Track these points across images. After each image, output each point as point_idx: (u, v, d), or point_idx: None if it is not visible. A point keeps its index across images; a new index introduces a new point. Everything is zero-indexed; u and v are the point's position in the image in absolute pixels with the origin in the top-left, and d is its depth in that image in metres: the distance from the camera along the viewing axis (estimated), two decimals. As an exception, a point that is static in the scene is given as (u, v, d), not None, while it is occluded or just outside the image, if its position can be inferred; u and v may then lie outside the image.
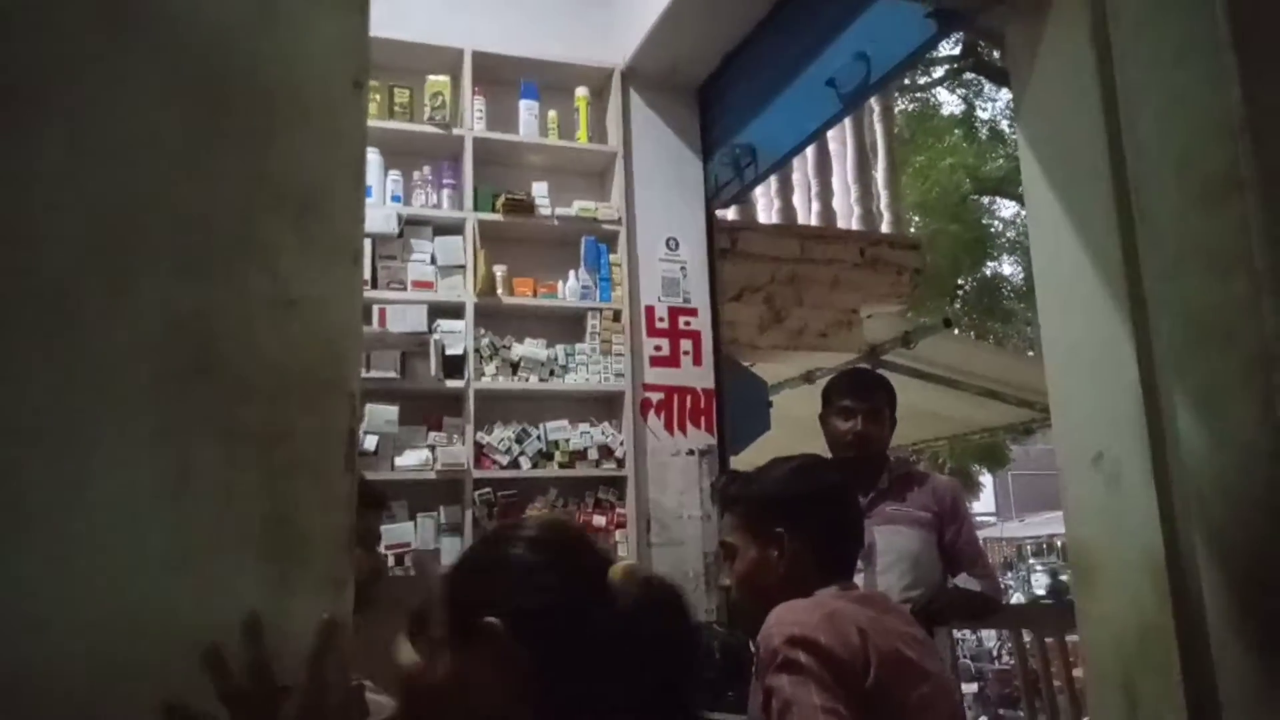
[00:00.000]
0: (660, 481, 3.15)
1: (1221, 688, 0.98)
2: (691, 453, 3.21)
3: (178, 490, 0.76)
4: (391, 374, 2.87)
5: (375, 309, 2.89)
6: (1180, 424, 1.09)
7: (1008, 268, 13.61)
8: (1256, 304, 1.01)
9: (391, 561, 2.76)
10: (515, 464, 2.99)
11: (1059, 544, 15.45)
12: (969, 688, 6.45)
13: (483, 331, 3.04)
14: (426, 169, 3.12)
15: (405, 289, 2.98)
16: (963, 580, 2.29)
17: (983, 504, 19.27)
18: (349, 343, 0.86)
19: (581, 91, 3.35)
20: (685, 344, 3.28)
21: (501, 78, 3.23)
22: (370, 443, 2.82)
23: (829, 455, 2.53)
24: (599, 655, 0.84)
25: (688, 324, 3.30)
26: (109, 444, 0.73)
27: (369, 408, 2.84)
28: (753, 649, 1.36)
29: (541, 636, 0.84)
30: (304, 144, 0.79)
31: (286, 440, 0.80)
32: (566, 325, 3.22)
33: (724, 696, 2.11)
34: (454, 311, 3.00)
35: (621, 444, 3.10)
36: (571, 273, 3.20)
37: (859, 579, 2.20)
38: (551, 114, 3.28)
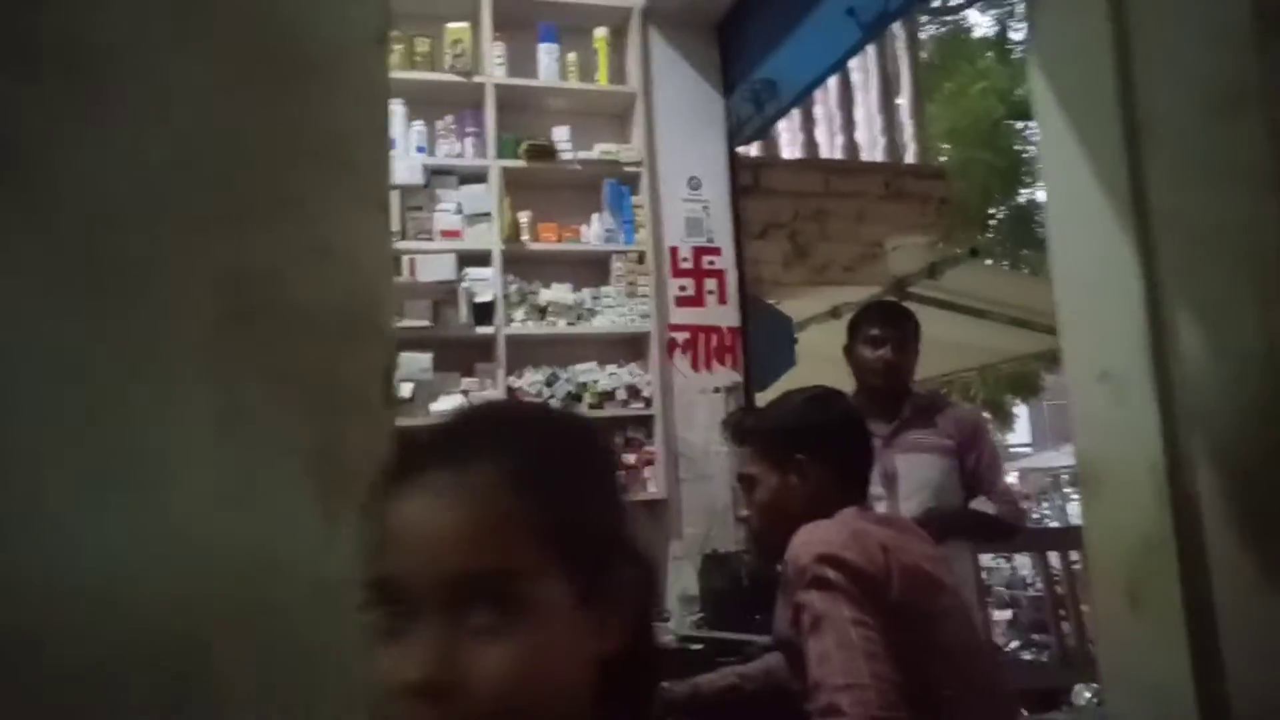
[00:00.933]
0: (687, 419, 3.22)
1: (1216, 585, 1.03)
2: (718, 390, 3.26)
3: (228, 429, 0.82)
4: (424, 322, 2.94)
5: (405, 259, 2.95)
6: (1183, 338, 1.12)
7: (1042, 194, 13.32)
8: (1261, 217, 1.03)
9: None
10: (547, 406, 3.07)
11: (1095, 473, 15.33)
12: (1003, 614, 6.53)
13: (510, 278, 3.10)
14: (449, 118, 3.15)
15: (433, 239, 3.03)
16: (979, 504, 2.33)
17: (1018, 434, 19.19)
18: (382, 286, 0.91)
19: (600, 32, 3.34)
20: (710, 283, 3.32)
21: (520, 21, 3.23)
22: (406, 390, 2.90)
23: (854, 390, 2.58)
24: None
25: (711, 263, 3.33)
26: (162, 387, 0.80)
27: (403, 356, 2.92)
28: (780, 570, 1.43)
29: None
30: (332, 98, 0.84)
31: (328, 380, 0.86)
32: (592, 269, 3.26)
33: (752, 620, 2.19)
34: (481, 259, 3.06)
35: (649, 384, 3.16)
36: (595, 216, 3.24)
37: (882, 506, 2.27)
38: (571, 56, 3.28)
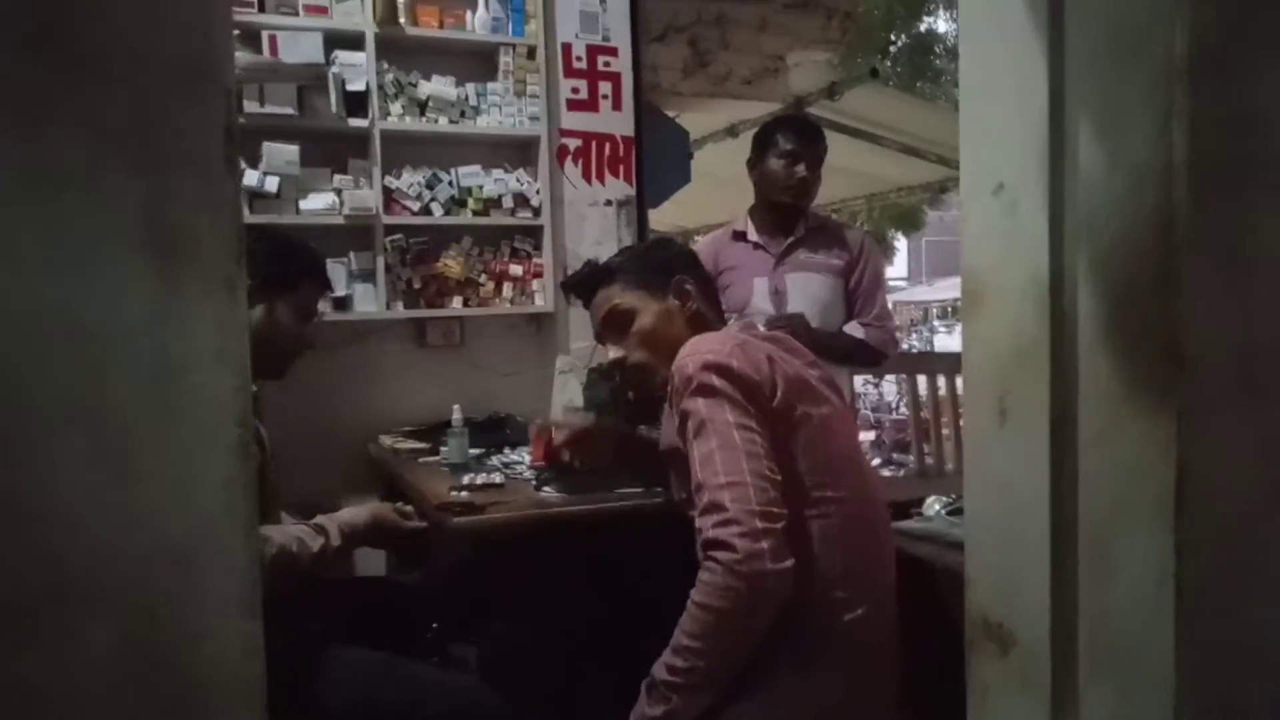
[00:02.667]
0: (577, 232, 3.13)
1: (1083, 398, 1.07)
2: (609, 203, 3.17)
3: (44, 190, 0.71)
4: (288, 109, 2.70)
5: (265, 35, 2.66)
6: (1082, 150, 1.11)
7: (942, 24, 13.21)
8: (1167, 23, 1.00)
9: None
10: (427, 210, 2.92)
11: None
12: (867, 435, 6.99)
13: (386, 66, 2.85)
14: None
15: (297, 13, 2.73)
16: (850, 328, 2.39)
17: (895, 269, 19.93)
18: (218, 32, 0.79)
19: None
20: (604, 87, 3.15)
21: None
22: (271, 184, 2.70)
23: (751, 206, 2.54)
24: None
25: (607, 65, 3.15)
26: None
27: (267, 146, 2.70)
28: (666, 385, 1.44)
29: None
30: None
31: (157, 134, 0.75)
32: (477, 62, 3.04)
33: (635, 430, 2.22)
34: (353, 42, 2.79)
35: (538, 192, 3.04)
36: (481, 1, 2.98)
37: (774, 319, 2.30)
38: None
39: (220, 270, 0.78)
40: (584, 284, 1.62)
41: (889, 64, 11.70)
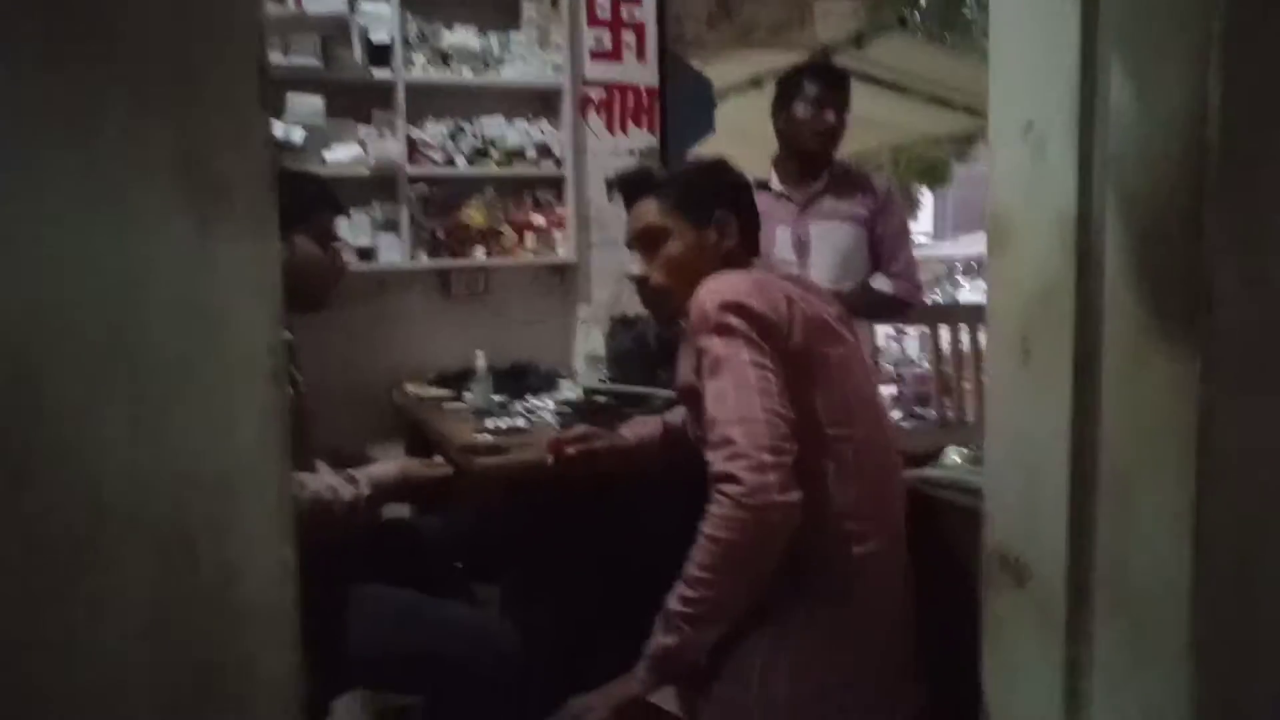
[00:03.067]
0: (600, 182, 3.12)
1: (1106, 336, 1.06)
2: (633, 153, 3.15)
3: (81, 134, 0.72)
4: (312, 60, 2.69)
5: (289, -15, 2.65)
6: (1113, 92, 1.09)
7: (974, -25, 12.86)
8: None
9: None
10: (450, 161, 2.92)
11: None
12: (889, 389, 6.97)
13: (409, 16, 2.83)
14: None
15: (320, -37, 2.72)
16: (878, 281, 2.38)
17: (920, 224, 19.68)
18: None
19: None
20: (628, 36, 3.11)
21: None
22: (297, 135, 2.70)
23: (775, 154, 2.52)
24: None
25: (631, 15, 3.11)
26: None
27: (291, 97, 2.70)
28: (682, 325, 1.44)
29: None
30: None
31: (190, 74, 0.76)
32: (499, 11, 3.01)
33: (657, 378, 2.24)
34: (376, -9, 2.77)
35: (560, 143, 3.03)
36: (504, -50, 2.95)
37: (798, 268, 2.29)
38: None
39: (254, 208, 0.79)
40: (630, 185, 1.57)
41: (917, 16, 11.43)
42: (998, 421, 1.23)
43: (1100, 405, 1.09)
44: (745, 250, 1.50)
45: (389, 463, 1.71)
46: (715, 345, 1.27)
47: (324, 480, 1.56)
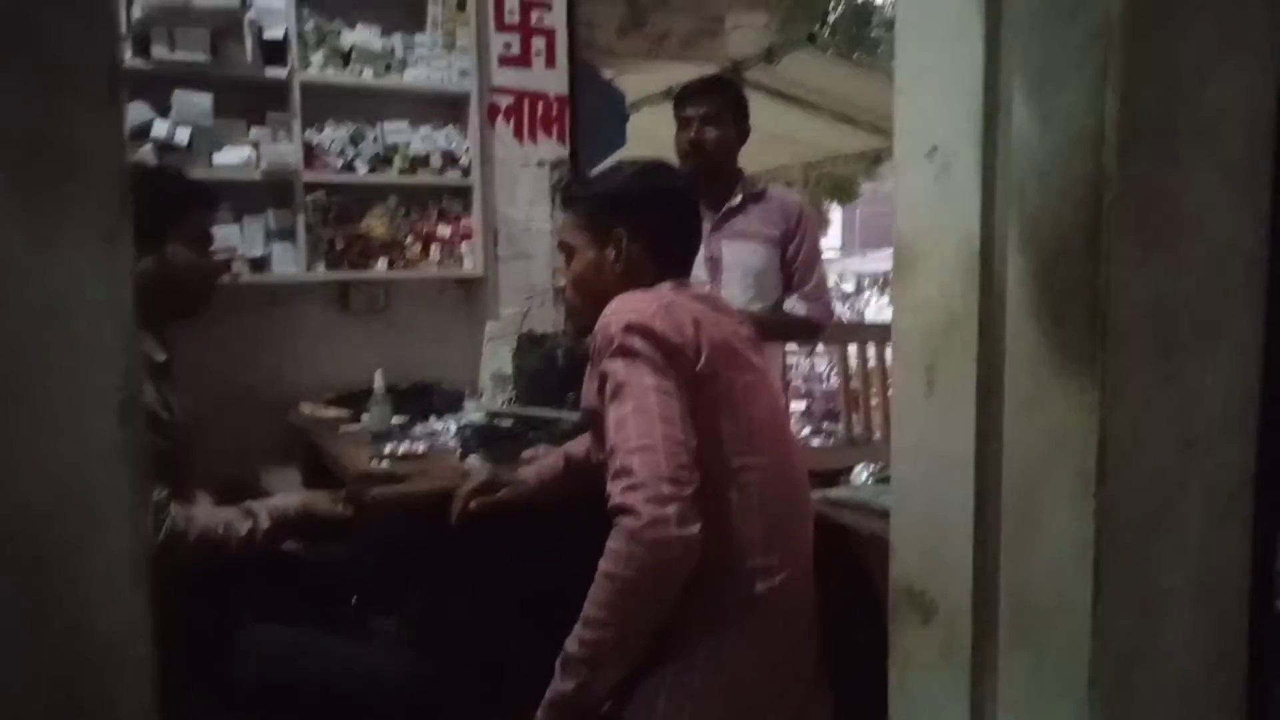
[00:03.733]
0: (508, 192, 3.07)
1: (1010, 366, 1.07)
2: (542, 164, 3.11)
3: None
4: (200, 56, 2.56)
5: (174, -24, 2.52)
6: (1015, 113, 1.10)
7: (882, -6, 13.27)
8: (1104, -15, 0.99)
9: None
10: (350, 167, 2.82)
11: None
12: (798, 405, 7.08)
13: (306, 12, 2.73)
14: None
15: (210, -46, 2.59)
16: (791, 303, 2.39)
17: (829, 239, 20.15)
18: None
19: None
20: (538, 42, 3.07)
21: None
22: (182, 135, 2.57)
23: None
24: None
25: (541, 20, 3.07)
26: None
27: (177, 94, 2.56)
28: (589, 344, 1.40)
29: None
30: None
31: (32, 63, 0.69)
32: (404, 11, 2.93)
33: (565, 398, 2.19)
34: (271, -14, 2.66)
35: (467, 151, 2.96)
36: (409, -51, 2.87)
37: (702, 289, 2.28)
38: None
39: (102, 214, 0.72)
40: (563, 195, 1.59)
41: (827, 32, 11.72)
42: (903, 449, 1.23)
43: (1004, 434, 1.10)
44: (665, 267, 1.45)
45: (290, 495, 1.66)
46: (618, 369, 1.24)
47: (216, 514, 1.52)
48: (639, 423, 1.19)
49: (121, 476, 0.71)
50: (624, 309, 1.29)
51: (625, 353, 1.24)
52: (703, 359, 1.27)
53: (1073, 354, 1.04)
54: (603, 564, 1.18)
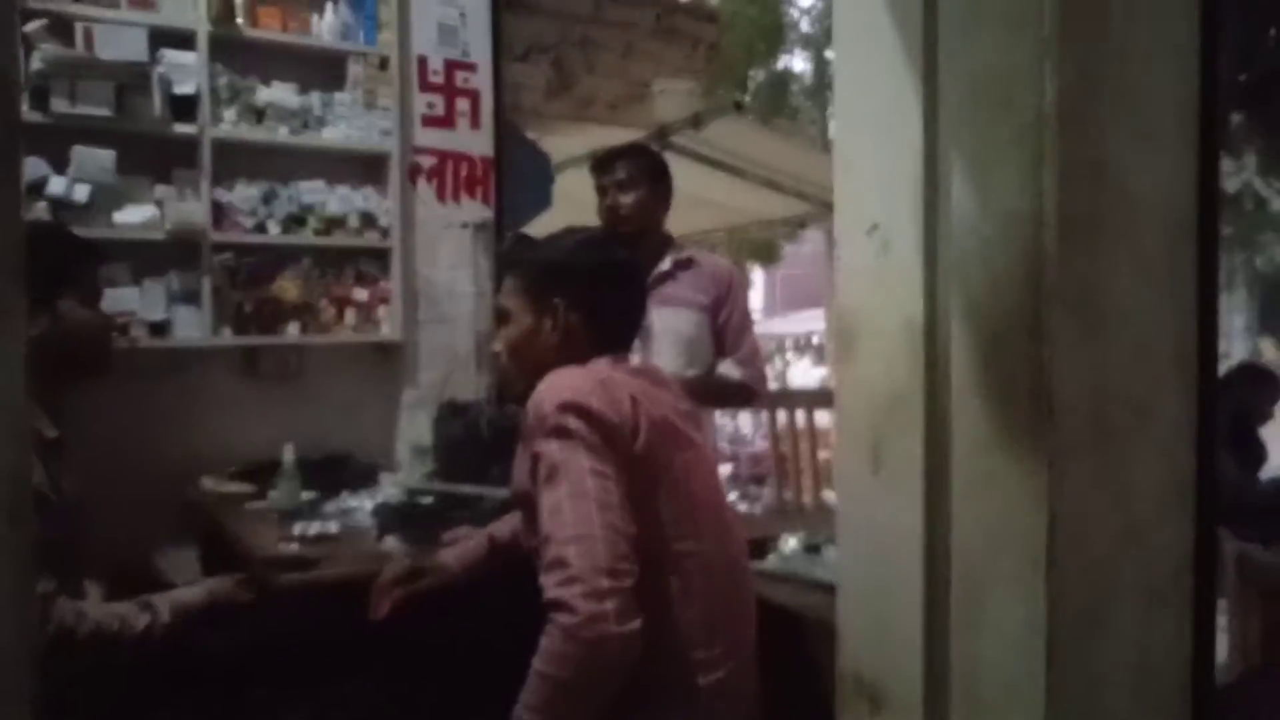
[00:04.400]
0: (429, 255, 3.03)
1: (956, 446, 1.07)
2: (465, 225, 3.08)
3: None
4: (104, 110, 2.48)
5: (79, 28, 2.44)
6: (955, 193, 1.13)
7: (799, 63, 13.81)
8: (1039, 71, 1.03)
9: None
10: (262, 228, 2.74)
11: (814, 340, 16.92)
12: (725, 468, 7.11)
13: (220, 68, 2.67)
14: None
15: (119, 5, 2.53)
16: (725, 367, 2.40)
17: (751, 300, 20.56)
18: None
19: None
20: (462, 104, 3.07)
21: None
22: (81, 192, 2.46)
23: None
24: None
25: (466, 81, 3.07)
26: None
27: (77, 150, 2.47)
28: (521, 416, 1.37)
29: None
30: None
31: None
32: (323, 70, 2.89)
33: (489, 473, 2.14)
34: (183, 40, 2.60)
35: (387, 212, 2.92)
36: (329, 6, 2.85)
37: (635, 359, 2.26)
38: None
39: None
40: (503, 259, 1.60)
41: (748, 98, 12.10)
42: (849, 531, 1.22)
43: (951, 514, 1.10)
44: (604, 341, 1.42)
45: (193, 586, 1.59)
46: (552, 450, 1.20)
47: (111, 609, 1.45)
48: (575, 509, 1.15)
49: (7, 577, 0.65)
50: (559, 386, 1.25)
51: (560, 433, 1.20)
52: (641, 438, 1.25)
53: (1019, 434, 1.05)
54: (537, 662, 1.12)
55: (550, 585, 1.12)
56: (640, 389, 1.31)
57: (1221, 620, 2.42)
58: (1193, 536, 1.10)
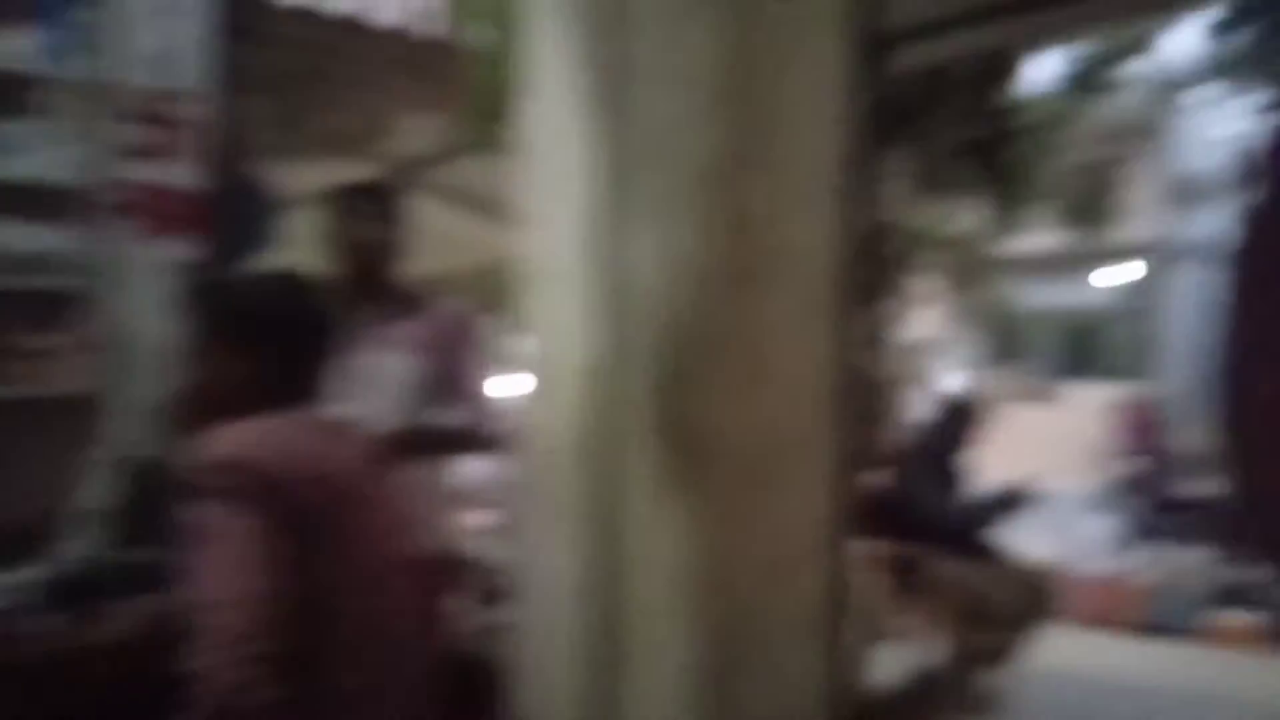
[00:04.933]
0: (130, 299, 2.79)
1: (631, 484, 1.12)
2: (170, 265, 2.88)
3: None
4: None
5: None
6: (630, 245, 1.19)
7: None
8: (692, 130, 1.11)
9: None
10: (-77, 267, 2.43)
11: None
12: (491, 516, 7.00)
13: None
14: None
15: None
16: (444, 414, 2.35)
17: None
18: None
19: None
20: (172, 135, 2.87)
21: None
22: None
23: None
24: None
25: (177, 111, 2.88)
26: None
27: None
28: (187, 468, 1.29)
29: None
30: None
31: None
32: (3, 94, 2.62)
33: (173, 536, 1.99)
34: None
35: (79, 252, 2.67)
36: (21, 27, 2.60)
37: (345, 405, 2.18)
38: None
39: None
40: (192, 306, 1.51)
41: (498, 134, 12.09)
42: (524, 579, 1.24)
43: (624, 558, 1.15)
44: (288, 389, 1.39)
45: None
46: (208, 509, 1.15)
47: None
48: (222, 574, 1.11)
49: None
50: (226, 441, 1.20)
51: (217, 491, 1.16)
52: (309, 498, 1.21)
53: (684, 476, 1.12)
54: None
55: (191, 655, 1.08)
56: (317, 442, 1.28)
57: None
58: (840, 569, 1.21)
